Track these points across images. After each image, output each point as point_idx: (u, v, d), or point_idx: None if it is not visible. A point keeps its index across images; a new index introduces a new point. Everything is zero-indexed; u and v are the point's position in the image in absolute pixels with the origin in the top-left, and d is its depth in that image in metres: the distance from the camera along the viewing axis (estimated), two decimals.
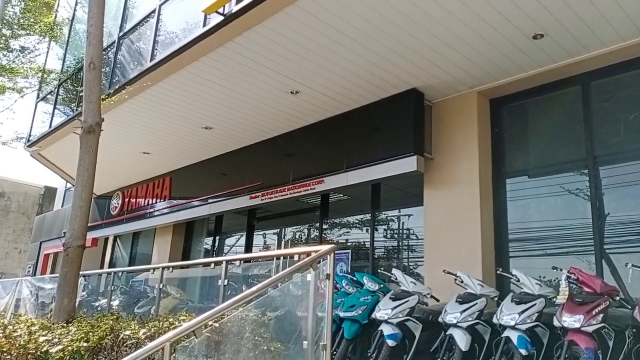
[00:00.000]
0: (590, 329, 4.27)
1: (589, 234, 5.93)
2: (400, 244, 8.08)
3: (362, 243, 8.47)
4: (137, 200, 12.68)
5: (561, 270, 4.81)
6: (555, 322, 4.49)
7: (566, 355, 4.33)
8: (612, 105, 6.22)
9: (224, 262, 5.44)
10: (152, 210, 12.02)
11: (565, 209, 6.32)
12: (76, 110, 9.91)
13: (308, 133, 8.58)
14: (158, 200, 11.88)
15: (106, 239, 15.05)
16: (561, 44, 5.89)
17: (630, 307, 4.59)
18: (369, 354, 5.34)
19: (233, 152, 10.05)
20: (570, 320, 4.34)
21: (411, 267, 7.67)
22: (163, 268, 6.70)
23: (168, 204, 11.53)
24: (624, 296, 4.97)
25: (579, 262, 5.84)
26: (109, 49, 9.55)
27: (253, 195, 9.20)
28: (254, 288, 4.07)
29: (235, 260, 5.70)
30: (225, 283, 5.46)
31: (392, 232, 8.21)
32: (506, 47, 6.01)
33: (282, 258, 5.95)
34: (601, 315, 4.32)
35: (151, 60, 7.77)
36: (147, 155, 10.82)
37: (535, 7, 5.25)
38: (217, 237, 11.57)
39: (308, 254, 4.54)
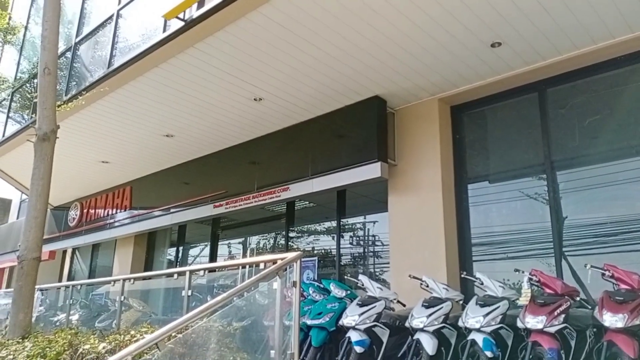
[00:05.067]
0: (552, 329, 4.36)
1: (549, 237, 6.09)
2: (366, 250, 8.10)
3: (329, 250, 8.45)
4: (97, 210, 12.31)
5: (523, 272, 4.91)
6: (519, 324, 4.58)
7: (530, 356, 4.40)
8: (567, 111, 6.42)
9: (188, 272, 5.32)
10: (112, 221, 11.70)
11: (525, 213, 6.48)
12: (31, 117, 9.56)
13: (272, 140, 8.53)
14: (118, 211, 11.57)
15: (64, 252, 14.55)
16: (518, 52, 6.06)
17: (590, 307, 4.72)
18: None
19: (195, 160, 9.89)
20: (533, 322, 4.42)
21: (377, 273, 7.70)
22: (124, 280, 6.50)
23: (129, 214, 11.23)
24: (584, 296, 5.11)
25: (539, 264, 5.98)
26: (65, 55, 9.28)
27: (217, 204, 9.07)
28: (219, 297, 3.99)
29: (199, 270, 5.57)
30: (190, 294, 5.34)
31: (358, 238, 8.23)
32: (466, 55, 6.13)
33: (247, 267, 5.86)
34: (563, 315, 4.42)
35: (109, 66, 7.59)
36: (106, 164, 10.53)
37: (493, 16, 5.38)
38: (181, 248, 11.34)
39: (274, 261, 4.49)
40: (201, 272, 5.91)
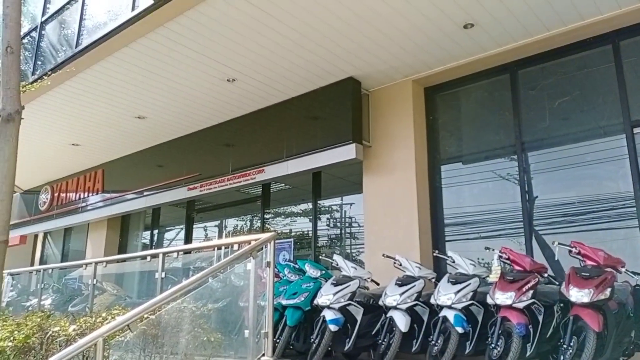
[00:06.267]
0: (521, 305, 4.46)
1: (519, 217, 6.21)
2: (342, 231, 8.16)
3: (305, 232, 8.48)
4: (68, 194, 12.08)
5: (493, 250, 5.01)
6: (489, 300, 4.67)
7: (499, 331, 4.51)
8: (538, 92, 6.52)
9: (161, 255, 5.29)
10: (84, 204, 11.50)
11: (496, 193, 6.59)
12: None
13: (247, 122, 8.46)
14: (90, 194, 11.37)
15: (36, 236, 14.28)
16: (490, 34, 6.10)
17: (557, 283, 4.85)
18: (312, 340, 5.35)
19: (169, 143, 9.76)
20: (502, 298, 4.52)
21: (354, 254, 7.77)
22: (96, 263, 6.42)
23: (101, 197, 11.06)
24: (552, 273, 5.24)
25: (510, 243, 6.10)
26: (30, 34, 8.99)
27: (191, 186, 8.99)
28: (192, 278, 4.00)
29: (172, 252, 5.54)
30: (163, 276, 5.33)
31: (334, 220, 8.27)
32: (439, 36, 6.15)
33: (223, 248, 5.84)
34: (531, 291, 4.53)
35: (77, 46, 7.39)
36: (77, 147, 10.30)
37: None
38: (156, 231, 11.24)
39: (248, 242, 4.50)
40: (175, 255, 5.89)
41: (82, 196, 11.63)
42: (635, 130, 5.63)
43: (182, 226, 10.46)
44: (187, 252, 6.76)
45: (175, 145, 9.63)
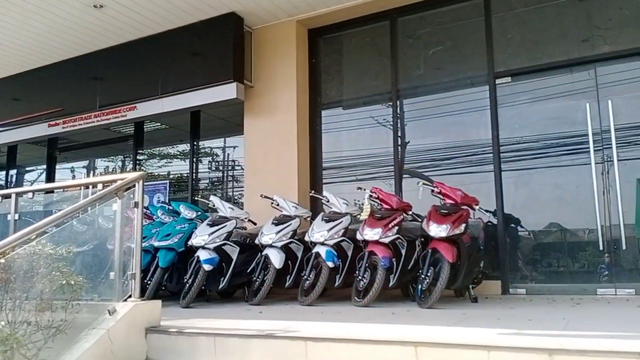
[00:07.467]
0: (386, 240, 4.76)
1: (391, 160, 6.52)
2: (224, 174, 8.01)
3: (183, 174, 8.20)
4: None
5: (364, 190, 5.23)
6: (358, 236, 4.93)
7: (366, 265, 4.78)
8: (415, 41, 6.74)
9: (14, 195, 4.79)
10: None
11: (372, 138, 6.84)
12: None
13: (118, 54, 7.78)
14: None
15: None
16: None
17: (420, 220, 5.21)
18: (185, 280, 5.28)
19: (26, 73, 8.69)
20: (370, 234, 4.78)
21: (236, 197, 7.69)
22: None
23: None
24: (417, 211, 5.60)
25: (383, 184, 6.40)
26: None
27: (52, 122, 8.18)
28: (47, 219, 3.68)
29: (26, 192, 5.04)
30: (17, 218, 4.85)
31: (215, 162, 8.08)
32: None
33: (91, 188, 5.43)
34: (396, 228, 4.84)
35: None
36: None
37: None
38: (13, 171, 10.15)
39: (114, 182, 4.23)
40: (31, 195, 5.38)
41: None
42: (497, 81, 6.06)
43: (44, 166, 9.57)
44: (48, 192, 6.22)
45: (34, 76, 8.60)
